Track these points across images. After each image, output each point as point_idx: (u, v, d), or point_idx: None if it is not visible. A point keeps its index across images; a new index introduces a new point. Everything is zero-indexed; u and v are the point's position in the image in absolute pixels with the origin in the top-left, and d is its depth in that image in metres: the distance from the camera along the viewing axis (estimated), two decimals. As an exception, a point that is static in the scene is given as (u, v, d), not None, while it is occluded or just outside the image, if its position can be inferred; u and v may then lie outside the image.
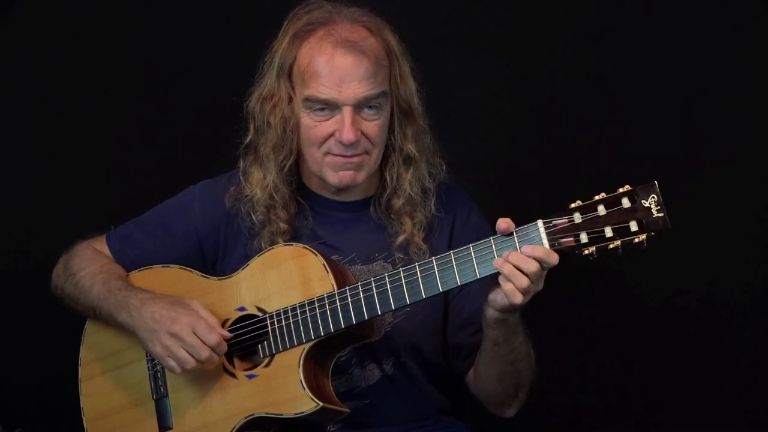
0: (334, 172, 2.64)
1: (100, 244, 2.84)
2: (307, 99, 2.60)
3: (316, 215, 2.73)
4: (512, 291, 2.37)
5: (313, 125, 2.62)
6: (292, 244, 2.63)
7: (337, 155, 2.62)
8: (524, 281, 2.36)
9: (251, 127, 2.72)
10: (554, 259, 2.36)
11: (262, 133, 2.69)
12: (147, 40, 3.58)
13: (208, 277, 2.71)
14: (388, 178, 2.70)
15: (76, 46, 3.59)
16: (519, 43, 3.42)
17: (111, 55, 3.59)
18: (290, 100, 2.64)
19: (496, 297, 2.43)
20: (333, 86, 2.57)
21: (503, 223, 2.40)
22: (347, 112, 2.58)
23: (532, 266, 2.36)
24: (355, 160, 2.62)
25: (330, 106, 2.60)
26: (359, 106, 2.60)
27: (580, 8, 3.38)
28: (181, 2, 3.58)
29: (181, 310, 2.60)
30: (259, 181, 2.70)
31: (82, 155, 3.60)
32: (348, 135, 2.58)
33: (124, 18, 3.59)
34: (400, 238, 2.68)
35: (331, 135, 2.61)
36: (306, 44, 2.62)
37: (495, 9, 3.43)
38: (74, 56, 3.59)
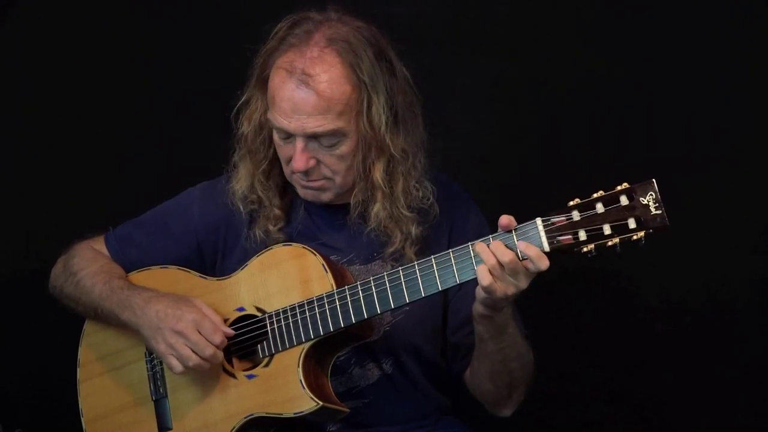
0: (300, 188, 2.65)
1: (99, 245, 2.84)
2: (269, 120, 2.61)
3: (311, 214, 2.72)
4: (483, 272, 2.37)
5: (280, 144, 2.63)
6: (290, 244, 2.63)
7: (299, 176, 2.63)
8: (492, 261, 2.36)
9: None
10: (544, 263, 2.36)
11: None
12: (147, 39, 3.58)
13: (207, 278, 2.70)
14: (360, 199, 2.64)
15: (76, 46, 3.59)
16: (519, 43, 3.42)
17: (111, 56, 3.59)
18: (265, 110, 2.63)
19: (479, 291, 2.42)
20: (284, 116, 2.56)
21: (505, 219, 2.40)
22: (298, 141, 2.57)
23: (507, 256, 2.36)
24: (313, 185, 2.62)
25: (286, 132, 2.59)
26: (313, 137, 2.57)
27: (580, 8, 3.38)
28: (182, 2, 3.59)
29: (185, 308, 2.60)
30: (245, 174, 2.69)
31: (82, 155, 3.61)
32: (297, 164, 2.58)
33: (125, 18, 3.59)
34: (390, 250, 2.66)
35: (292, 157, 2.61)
36: (276, 65, 2.58)
37: (495, 9, 3.43)
38: (74, 56, 3.59)
